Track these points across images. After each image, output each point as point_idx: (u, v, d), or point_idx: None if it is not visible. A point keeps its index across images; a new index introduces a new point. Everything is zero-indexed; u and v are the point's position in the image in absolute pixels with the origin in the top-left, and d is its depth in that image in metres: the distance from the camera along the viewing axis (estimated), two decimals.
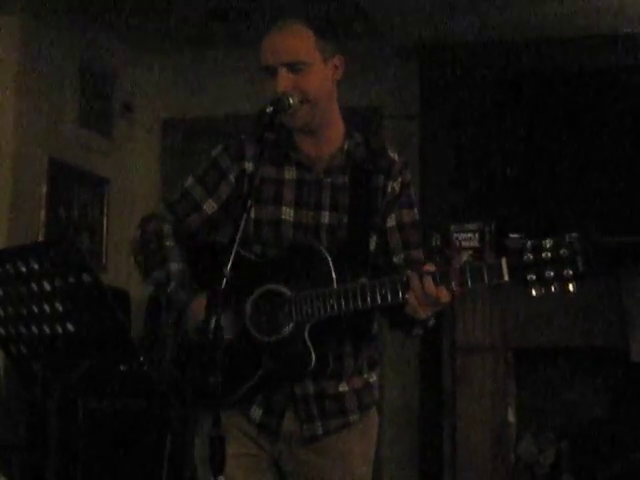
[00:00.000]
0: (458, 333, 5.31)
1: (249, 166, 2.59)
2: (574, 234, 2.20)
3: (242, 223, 2.26)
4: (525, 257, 2.22)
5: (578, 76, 5.55)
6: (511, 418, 5.35)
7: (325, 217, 2.56)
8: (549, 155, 5.52)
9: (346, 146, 2.61)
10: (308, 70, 2.51)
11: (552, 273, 2.19)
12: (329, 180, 2.58)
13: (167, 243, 2.61)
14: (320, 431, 2.55)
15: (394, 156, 2.64)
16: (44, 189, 5.43)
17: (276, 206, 2.56)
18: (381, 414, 6.09)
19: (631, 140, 5.42)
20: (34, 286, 2.39)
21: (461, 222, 5.32)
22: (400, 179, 2.61)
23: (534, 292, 2.23)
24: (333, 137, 2.61)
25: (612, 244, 5.12)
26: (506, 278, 2.24)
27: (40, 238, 5.34)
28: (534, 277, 2.21)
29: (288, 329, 2.45)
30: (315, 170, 2.58)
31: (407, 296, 2.33)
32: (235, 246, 2.22)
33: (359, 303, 2.38)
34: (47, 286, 2.38)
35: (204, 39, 6.03)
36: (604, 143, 5.45)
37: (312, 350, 2.44)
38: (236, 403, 2.51)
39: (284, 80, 2.48)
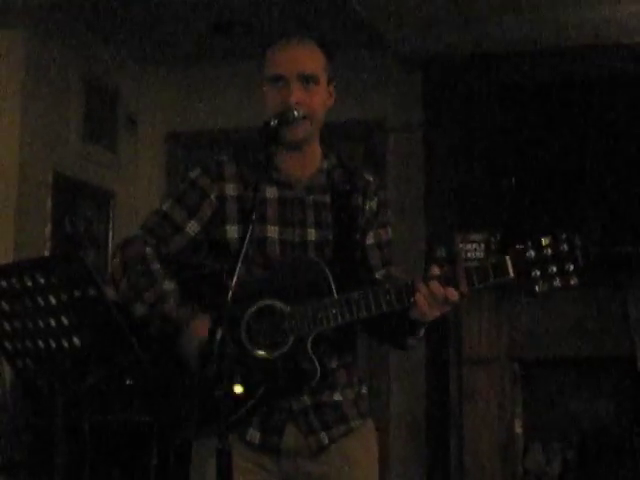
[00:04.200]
0: (464, 344, 5.30)
1: (229, 188, 2.59)
2: (570, 232, 2.32)
3: (246, 240, 2.27)
4: (527, 254, 2.32)
5: (582, 85, 5.55)
6: (518, 429, 5.34)
7: (312, 234, 2.58)
8: (553, 165, 5.52)
9: (325, 166, 2.65)
10: (317, 87, 2.56)
11: (555, 268, 2.30)
12: (311, 198, 2.60)
13: (153, 267, 2.56)
14: (326, 441, 2.54)
15: (369, 177, 2.69)
16: (49, 203, 5.44)
17: (260, 225, 2.54)
18: (387, 426, 6.10)
19: (638, 150, 5.42)
20: (40, 300, 2.39)
21: (466, 233, 5.32)
22: (376, 199, 2.67)
23: (537, 288, 2.33)
24: (314, 158, 2.64)
25: (617, 254, 5.12)
26: (512, 275, 2.32)
27: (46, 252, 5.34)
28: (538, 273, 2.31)
29: (289, 344, 2.45)
30: (296, 188, 2.59)
31: (413, 300, 2.37)
32: (239, 262, 2.22)
33: (364, 311, 2.41)
34: (53, 300, 2.37)
35: (207, 52, 6.05)
36: (610, 153, 5.45)
37: (317, 363, 2.44)
38: (235, 425, 2.47)
39: (298, 91, 2.52)
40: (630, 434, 5.29)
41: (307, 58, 2.55)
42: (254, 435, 2.52)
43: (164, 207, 2.64)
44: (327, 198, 2.61)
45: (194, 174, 2.64)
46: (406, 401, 5.83)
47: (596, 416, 5.40)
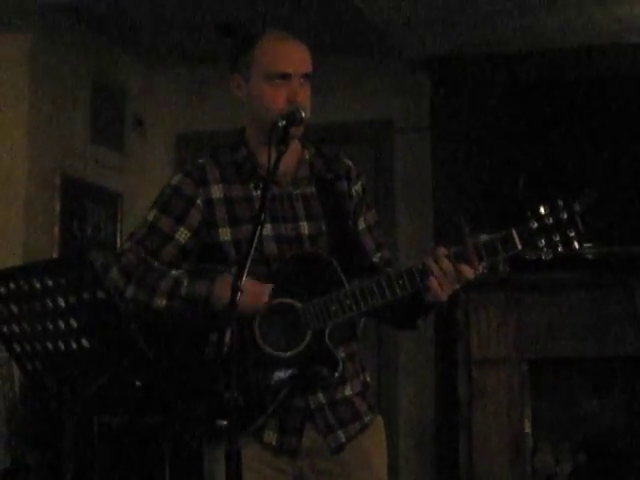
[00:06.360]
0: (473, 345, 5.30)
1: (215, 190, 2.58)
2: (567, 199, 2.41)
3: (255, 241, 2.27)
4: (531, 225, 2.39)
5: (590, 86, 5.54)
6: (527, 429, 5.33)
7: (304, 228, 2.57)
8: (561, 166, 5.51)
9: (307, 156, 2.65)
10: (308, 85, 2.56)
11: (558, 236, 2.38)
12: (298, 192, 2.60)
13: (156, 264, 2.57)
14: (343, 439, 2.54)
15: (348, 162, 2.70)
16: (57, 206, 5.44)
17: (253, 224, 2.46)
18: (397, 426, 6.08)
19: None
20: (49, 302, 2.39)
21: (475, 234, 5.31)
22: (360, 182, 2.68)
23: (543, 256, 2.40)
24: (295, 151, 2.62)
25: (625, 254, 5.11)
26: (519, 247, 2.39)
27: (54, 254, 5.34)
28: (543, 242, 2.38)
29: (307, 339, 2.44)
30: (282, 184, 2.58)
31: (427, 282, 2.39)
32: (248, 264, 2.22)
33: (378, 298, 2.42)
34: (61, 302, 2.38)
35: (215, 54, 6.04)
36: (617, 153, 5.44)
37: (337, 354, 2.45)
38: (254, 428, 2.47)
39: (302, 91, 2.52)
40: (639, 435, 5.28)
41: (308, 56, 2.56)
42: (271, 436, 2.51)
43: (150, 218, 2.61)
44: (313, 189, 2.61)
45: (176, 181, 2.62)
46: (415, 401, 5.83)
47: (606, 416, 5.38)
